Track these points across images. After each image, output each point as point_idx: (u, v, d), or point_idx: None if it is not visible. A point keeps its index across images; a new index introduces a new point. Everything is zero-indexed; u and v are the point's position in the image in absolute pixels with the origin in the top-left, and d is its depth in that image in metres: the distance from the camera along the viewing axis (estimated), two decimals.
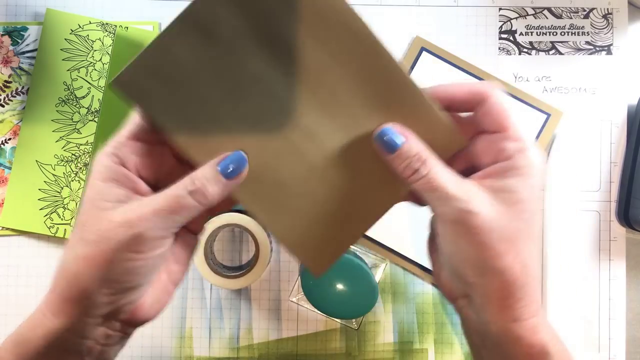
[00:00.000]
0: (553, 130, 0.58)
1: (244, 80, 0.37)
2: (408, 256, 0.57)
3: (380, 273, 0.56)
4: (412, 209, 0.42)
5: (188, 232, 0.41)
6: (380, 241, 0.57)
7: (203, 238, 0.55)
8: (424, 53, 0.59)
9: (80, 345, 0.37)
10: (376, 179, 0.39)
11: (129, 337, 0.41)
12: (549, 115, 0.58)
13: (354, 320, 0.56)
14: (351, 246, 0.53)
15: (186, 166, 0.38)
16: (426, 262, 0.56)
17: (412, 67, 0.59)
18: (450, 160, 0.38)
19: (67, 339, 0.37)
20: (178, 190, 0.35)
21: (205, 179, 0.36)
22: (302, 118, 0.38)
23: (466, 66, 0.58)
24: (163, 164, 0.39)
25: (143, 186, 0.37)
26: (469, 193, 0.36)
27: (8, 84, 0.58)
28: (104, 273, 0.35)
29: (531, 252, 0.37)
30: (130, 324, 0.39)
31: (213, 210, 0.40)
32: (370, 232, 0.55)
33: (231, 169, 0.37)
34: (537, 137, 0.59)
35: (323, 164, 0.39)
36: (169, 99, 0.37)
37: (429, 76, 0.59)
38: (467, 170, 0.38)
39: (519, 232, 0.37)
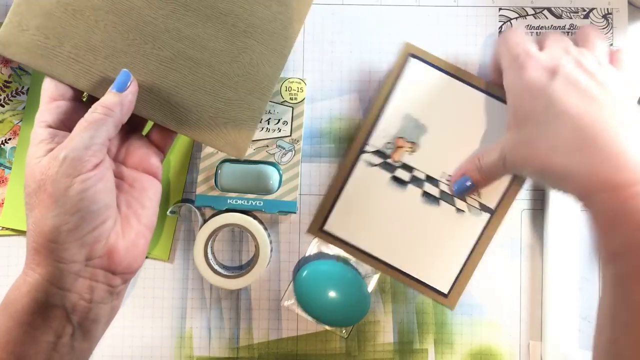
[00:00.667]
0: None
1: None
2: (401, 269, 0.56)
3: (373, 283, 0.56)
4: (405, 222, 0.55)
5: (144, 175, 0.46)
6: (372, 253, 0.56)
7: (203, 238, 0.55)
8: (413, 60, 0.57)
9: (63, 298, 0.39)
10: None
11: (116, 294, 0.42)
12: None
13: (343, 328, 0.57)
14: (345, 255, 0.57)
15: None
16: (417, 273, 0.56)
17: (398, 76, 0.56)
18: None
19: (49, 290, 0.38)
20: (86, 115, 0.41)
21: (105, 98, 0.42)
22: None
23: (458, 72, 0.57)
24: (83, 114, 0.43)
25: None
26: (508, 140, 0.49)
27: (8, 84, 0.58)
28: (57, 207, 0.38)
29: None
30: (111, 270, 0.41)
31: (134, 128, 0.47)
32: (363, 246, 0.56)
33: (120, 84, 0.42)
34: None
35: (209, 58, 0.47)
36: (48, 50, 0.44)
37: (418, 86, 0.57)
38: None
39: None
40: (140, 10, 0.45)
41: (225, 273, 0.55)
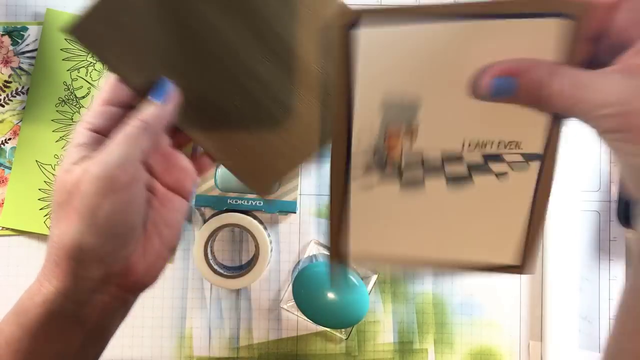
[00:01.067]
0: (582, 42, 0.34)
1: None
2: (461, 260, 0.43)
3: (371, 284, 0.56)
4: None
5: (176, 195, 0.43)
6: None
7: (203, 238, 0.55)
8: (362, 31, 0.38)
9: (77, 311, 0.38)
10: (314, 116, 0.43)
11: (128, 307, 0.41)
12: (568, 17, 0.34)
13: (342, 330, 0.57)
14: None
15: None
16: (480, 258, 0.43)
17: (349, 60, 0.38)
18: (592, 50, 0.33)
19: (64, 304, 0.37)
20: (124, 128, 0.38)
21: (142, 109, 0.39)
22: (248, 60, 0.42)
23: (428, 10, 0.37)
24: None
25: None
26: (620, 90, 0.30)
27: (8, 84, 0.58)
28: (84, 224, 0.36)
29: None
30: (126, 288, 0.40)
31: (179, 145, 0.43)
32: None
33: (158, 93, 0.40)
34: (569, 55, 0.34)
35: (263, 96, 0.43)
36: (125, 48, 0.40)
37: (380, 58, 0.39)
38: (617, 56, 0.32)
39: None
40: (233, 47, 0.42)
41: (225, 273, 0.55)
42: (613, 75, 0.30)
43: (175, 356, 0.57)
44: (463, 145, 0.40)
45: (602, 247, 0.57)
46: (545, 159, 0.39)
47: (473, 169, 0.41)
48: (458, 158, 0.40)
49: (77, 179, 0.36)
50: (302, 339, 0.57)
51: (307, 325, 0.57)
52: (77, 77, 0.58)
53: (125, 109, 0.41)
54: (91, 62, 0.58)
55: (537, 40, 0.35)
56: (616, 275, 0.57)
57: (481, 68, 0.36)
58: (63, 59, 0.58)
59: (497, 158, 0.40)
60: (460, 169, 0.41)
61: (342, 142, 0.39)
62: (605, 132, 0.31)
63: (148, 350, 0.57)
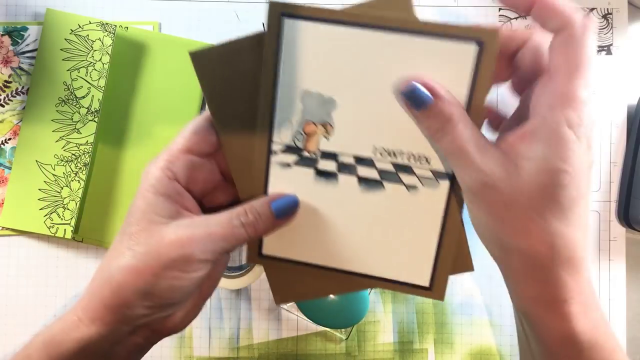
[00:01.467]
0: (492, 68, 0.36)
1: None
2: (367, 273, 0.44)
3: None
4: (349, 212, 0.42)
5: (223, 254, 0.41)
6: (329, 265, 0.44)
7: None
8: (288, 22, 0.40)
9: (110, 351, 0.38)
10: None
11: (152, 346, 0.41)
12: (481, 43, 0.36)
13: (342, 330, 0.56)
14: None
15: (231, 184, 0.40)
16: (387, 273, 0.44)
17: (277, 48, 0.40)
18: (508, 64, 0.37)
19: (101, 346, 0.37)
20: (232, 219, 0.37)
21: (259, 214, 0.38)
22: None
23: (352, 16, 0.39)
24: (210, 179, 0.40)
25: (192, 203, 0.39)
26: (492, 163, 0.34)
27: (8, 84, 0.58)
28: (149, 287, 0.35)
29: (560, 234, 0.33)
30: (160, 333, 0.39)
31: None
32: (315, 259, 0.44)
33: (283, 212, 0.39)
34: (474, 82, 0.37)
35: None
36: (226, 91, 0.40)
37: (306, 51, 0.41)
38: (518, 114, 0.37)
39: (546, 211, 0.33)
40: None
41: (225, 273, 0.55)
42: (494, 152, 0.34)
43: (175, 356, 0.57)
44: (374, 151, 0.41)
45: (602, 247, 0.57)
46: (454, 181, 0.40)
47: (384, 175, 0.42)
48: (369, 161, 0.42)
49: (160, 238, 0.35)
50: (302, 339, 0.57)
51: (307, 325, 0.57)
52: (77, 77, 0.58)
53: (201, 157, 0.39)
54: (91, 62, 0.58)
55: (452, 61, 0.37)
56: (616, 275, 0.57)
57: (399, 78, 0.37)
58: (63, 59, 0.58)
59: (407, 170, 0.41)
60: (371, 172, 0.42)
61: (267, 116, 0.41)
62: (467, 190, 0.35)
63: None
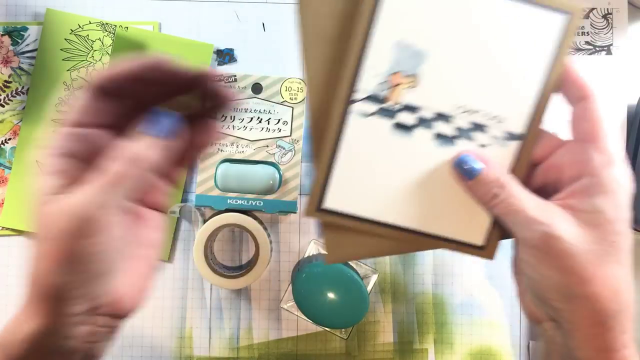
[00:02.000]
0: (572, 39, 0.41)
1: None
2: (425, 230, 0.44)
3: (371, 284, 0.56)
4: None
5: (153, 212, 0.40)
6: (388, 221, 0.44)
7: (202, 238, 0.55)
8: None
9: (64, 346, 0.37)
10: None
11: (116, 331, 0.40)
12: (567, 13, 0.41)
13: (342, 330, 0.57)
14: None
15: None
16: (444, 231, 0.45)
17: (376, 2, 0.41)
18: (531, 173, 0.40)
19: (49, 340, 0.36)
20: (109, 164, 0.34)
21: (135, 143, 0.35)
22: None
23: None
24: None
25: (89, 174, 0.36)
26: (551, 215, 0.36)
27: (8, 84, 0.58)
28: (63, 266, 0.34)
29: (621, 278, 0.36)
30: (113, 316, 0.38)
31: (171, 180, 0.40)
32: (375, 215, 0.44)
33: (159, 127, 0.36)
34: (560, 47, 0.41)
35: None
36: (323, 30, 0.42)
37: (405, 3, 0.42)
38: (550, 186, 0.39)
39: (607, 256, 0.36)
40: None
41: (225, 273, 0.55)
42: (551, 206, 0.37)
43: (175, 356, 0.57)
44: (455, 108, 0.43)
45: None
46: (525, 142, 0.42)
47: (460, 132, 0.43)
48: (449, 118, 0.43)
49: (56, 219, 0.34)
50: (302, 339, 0.57)
51: (307, 325, 0.57)
52: (77, 77, 0.58)
53: (103, 129, 0.37)
54: (91, 62, 0.58)
55: (541, 27, 0.41)
56: None
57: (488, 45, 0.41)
58: (63, 59, 0.58)
59: (482, 128, 0.43)
60: (448, 128, 0.43)
61: (354, 69, 0.42)
62: (531, 246, 0.37)
63: (148, 350, 0.57)
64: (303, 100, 0.56)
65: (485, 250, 0.45)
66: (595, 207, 0.36)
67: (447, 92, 0.43)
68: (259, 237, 0.55)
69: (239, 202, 0.55)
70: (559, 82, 0.41)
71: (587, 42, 0.58)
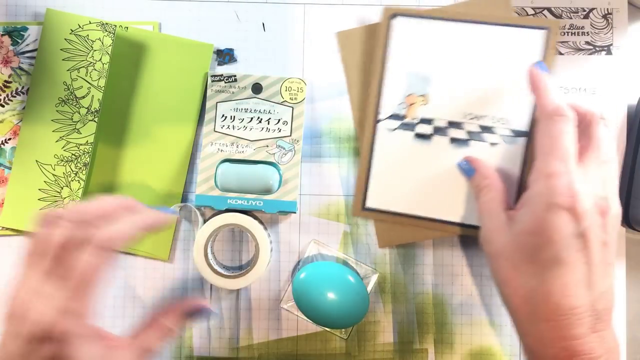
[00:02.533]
0: (554, 48, 0.55)
1: None
2: (457, 221, 0.55)
3: (371, 284, 0.56)
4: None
5: None
6: (422, 215, 0.56)
7: (202, 238, 0.55)
8: (398, 18, 0.55)
9: None
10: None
11: None
12: (546, 29, 0.54)
13: (342, 330, 0.56)
14: (344, 256, 0.57)
15: None
16: (473, 221, 0.55)
17: (387, 39, 0.55)
18: None
19: None
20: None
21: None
22: None
23: (446, 14, 0.55)
24: None
25: None
26: (496, 223, 0.44)
27: (8, 84, 0.58)
28: None
29: (536, 291, 0.39)
30: None
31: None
32: (410, 210, 0.56)
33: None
34: (544, 58, 0.54)
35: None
36: (357, 65, 0.58)
37: (410, 41, 0.56)
38: None
39: (523, 265, 0.40)
40: None
41: (225, 273, 0.55)
42: (502, 216, 0.46)
43: (175, 356, 0.57)
44: (464, 116, 0.55)
45: None
46: (530, 137, 0.54)
47: (471, 135, 0.54)
48: (460, 125, 0.55)
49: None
50: (302, 339, 0.57)
51: (307, 325, 0.57)
52: (77, 77, 0.58)
53: None
54: (91, 62, 0.58)
55: (527, 42, 0.54)
56: (616, 275, 0.57)
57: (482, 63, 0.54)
58: (63, 59, 0.58)
59: (491, 130, 0.54)
60: (461, 132, 0.55)
61: (377, 95, 0.56)
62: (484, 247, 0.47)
63: None
64: (303, 100, 0.56)
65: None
66: (526, 222, 0.41)
67: (453, 104, 0.55)
68: (259, 237, 0.55)
69: (239, 202, 0.55)
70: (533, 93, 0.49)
71: (587, 42, 0.58)
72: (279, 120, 0.56)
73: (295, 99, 0.56)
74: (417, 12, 0.55)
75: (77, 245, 0.37)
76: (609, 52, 0.58)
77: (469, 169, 0.51)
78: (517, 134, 0.54)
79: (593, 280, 0.39)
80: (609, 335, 0.40)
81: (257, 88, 0.56)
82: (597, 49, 0.58)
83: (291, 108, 0.56)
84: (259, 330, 0.57)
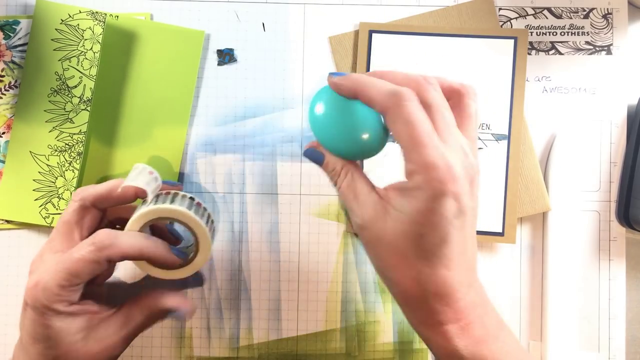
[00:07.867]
0: (525, 54, 0.57)
1: None
2: None
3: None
4: None
5: None
6: None
7: (135, 227, 0.47)
8: (375, 35, 0.57)
9: None
10: None
11: None
12: (514, 37, 0.57)
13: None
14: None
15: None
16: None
17: (369, 58, 0.57)
18: None
19: None
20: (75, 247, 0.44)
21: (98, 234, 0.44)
22: None
23: (419, 28, 0.58)
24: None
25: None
26: (369, 205, 0.40)
27: (1, 78, 0.57)
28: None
29: (426, 273, 0.38)
30: None
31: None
32: None
33: None
34: (514, 66, 0.57)
35: None
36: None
37: (388, 55, 0.57)
38: None
39: (410, 252, 0.38)
40: None
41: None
42: (371, 198, 0.41)
43: (175, 356, 0.57)
44: None
45: (602, 247, 0.57)
46: (511, 140, 0.56)
47: None
48: None
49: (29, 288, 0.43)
50: (302, 339, 0.57)
51: (307, 326, 0.57)
52: (69, 67, 0.57)
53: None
54: (82, 52, 0.57)
55: (499, 52, 0.57)
56: (616, 275, 0.57)
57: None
58: (54, 49, 0.57)
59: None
60: None
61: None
62: (355, 229, 0.44)
63: (148, 350, 0.57)
64: None
65: (505, 236, 0.56)
66: (409, 212, 0.38)
67: None
68: (194, 226, 0.47)
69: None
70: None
71: (587, 42, 0.58)
72: None
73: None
74: (389, 27, 0.57)
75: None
76: (609, 52, 0.58)
77: (317, 154, 0.45)
78: (499, 137, 0.56)
79: (468, 247, 0.39)
80: (480, 287, 0.42)
81: None
82: (597, 49, 0.59)
83: None
84: (259, 330, 0.57)
